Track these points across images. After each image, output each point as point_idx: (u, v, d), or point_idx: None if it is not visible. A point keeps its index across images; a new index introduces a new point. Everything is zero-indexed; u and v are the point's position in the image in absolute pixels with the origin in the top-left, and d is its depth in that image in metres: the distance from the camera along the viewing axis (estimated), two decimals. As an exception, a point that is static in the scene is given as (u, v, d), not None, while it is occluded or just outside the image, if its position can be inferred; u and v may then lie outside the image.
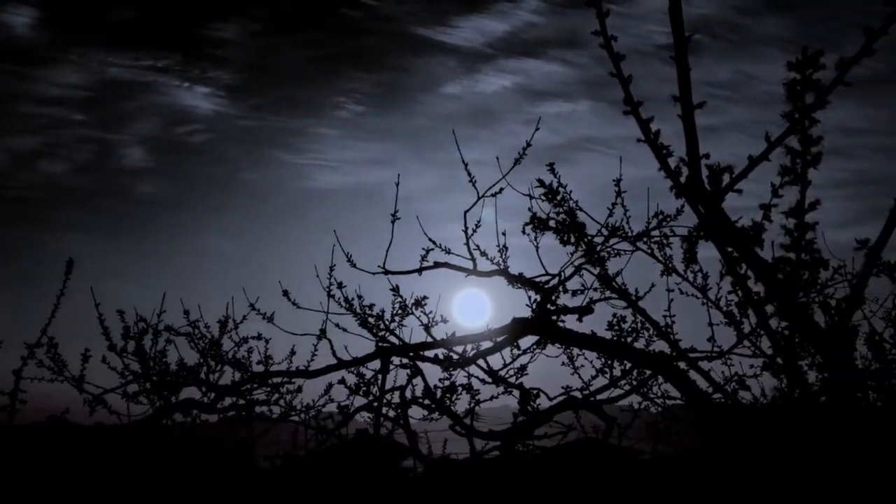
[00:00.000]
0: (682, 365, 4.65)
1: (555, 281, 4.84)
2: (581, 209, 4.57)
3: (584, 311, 4.84)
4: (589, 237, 4.01)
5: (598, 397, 4.86)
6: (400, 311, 5.00)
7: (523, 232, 4.50)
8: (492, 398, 4.95)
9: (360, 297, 5.12)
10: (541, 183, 3.68)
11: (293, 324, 5.45)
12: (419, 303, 4.95)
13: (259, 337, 5.51)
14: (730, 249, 3.57)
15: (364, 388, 4.94)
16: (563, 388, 4.85)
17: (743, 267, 3.61)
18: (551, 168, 4.58)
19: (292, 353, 5.50)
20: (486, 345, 4.90)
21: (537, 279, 4.88)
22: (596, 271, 4.81)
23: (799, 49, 3.20)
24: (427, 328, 4.97)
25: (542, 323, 4.83)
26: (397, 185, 4.85)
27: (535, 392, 4.72)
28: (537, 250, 4.49)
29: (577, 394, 4.84)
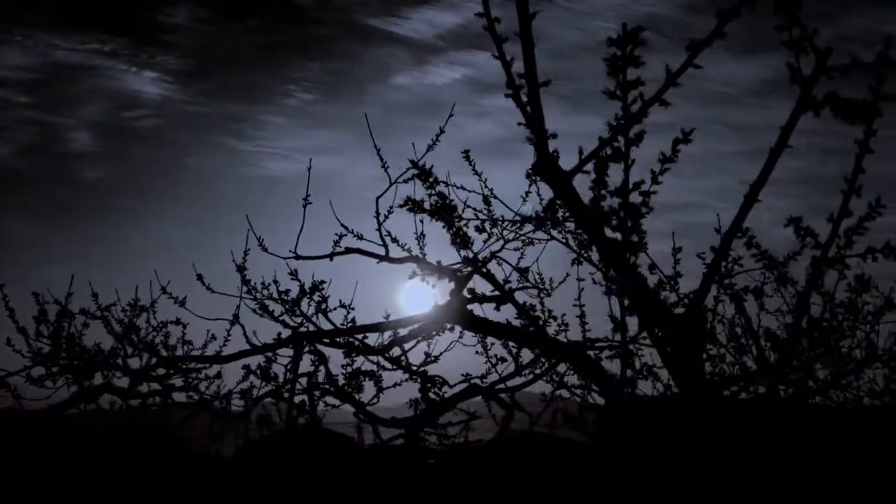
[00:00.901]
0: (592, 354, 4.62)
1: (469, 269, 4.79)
2: (495, 197, 4.56)
3: (501, 300, 4.79)
4: (460, 219, 3.95)
5: (509, 384, 4.82)
6: (298, 296, 4.93)
7: (387, 212, 4.46)
8: (395, 385, 4.91)
9: (275, 282, 5.07)
10: (413, 164, 3.63)
11: (217, 310, 5.41)
12: (316, 287, 4.89)
13: (177, 322, 5.47)
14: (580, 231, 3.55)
15: (272, 375, 4.88)
16: (462, 375, 4.81)
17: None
18: (466, 155, 4.55)
19: (212, 338, 5.47)
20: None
21: (453, 267, 4.83)
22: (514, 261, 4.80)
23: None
24: (324, 313, 4.92)
25: (457, 311, 4.78)
26: (309, 169, 4.80)
27: (439, 380, 4.68)
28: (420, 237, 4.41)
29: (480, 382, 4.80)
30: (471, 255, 4.20)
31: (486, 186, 4.59)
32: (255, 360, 4.95)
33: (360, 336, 4.90)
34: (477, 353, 5.05)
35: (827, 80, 2.95)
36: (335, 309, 4.95)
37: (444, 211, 3.72)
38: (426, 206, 3.82)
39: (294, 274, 4.90)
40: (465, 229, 4.06)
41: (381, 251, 4.81)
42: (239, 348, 5.02)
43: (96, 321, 5.37)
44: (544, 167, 3.31)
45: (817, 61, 2.92)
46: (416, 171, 3.73)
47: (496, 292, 4.72)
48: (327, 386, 4.67)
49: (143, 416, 5.42)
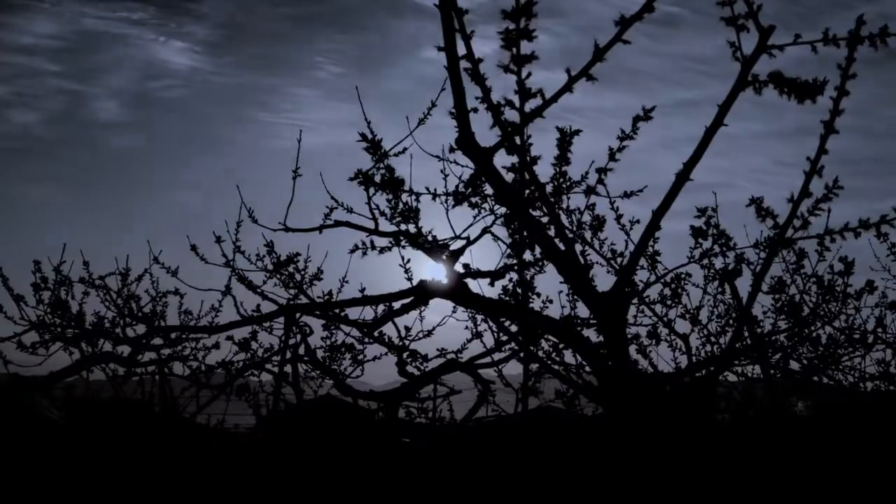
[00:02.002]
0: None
1: (462, 243, 4.77)
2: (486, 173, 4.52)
3: (496, 276, 4.77)
4: (411, 192, 3.93)
5: (490, 359, 4.81)
6: (277, 268, 4.93)
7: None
8: (374, 359, 4.92)
9: (269, 252, 5.08)
10: (362, 137, 3.60)
11: (218, 281, 5.45)
12: (291, 259, 4.89)
13: (175, 292, 5.52)
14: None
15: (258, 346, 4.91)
16: (438, 350, 4.81)
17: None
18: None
19: (211, 308, 5.53)
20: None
21: (445, 241, 4.81)
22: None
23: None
24: (299, 286, 4.92)
25: (450, 286, 4.77)
26: (299, 141, 4.78)
27: (421, 355, 4.69)
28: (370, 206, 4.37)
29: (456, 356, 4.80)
30: (421, 231, 4.16)
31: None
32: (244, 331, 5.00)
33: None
34: (466, 328, 5.04)
35: (769, 57, 2.89)
36: (312, 284, 4.93)
37: (392, 184, 3.69)
38: (376, 178, 3.80)
39: (270, 246, 4.91)
40: (414, 203, 4.03)
41: (371, 224, 4.81)
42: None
43: (94, 290, 5.44)
44: (465, 142, 3.28)
45: (759, 38, 2.87)
46: (366, 145, 3.70)
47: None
48: (306, 359, 4.68)
49: (143, 385, 5.49)
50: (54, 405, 5.42)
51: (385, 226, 4.82)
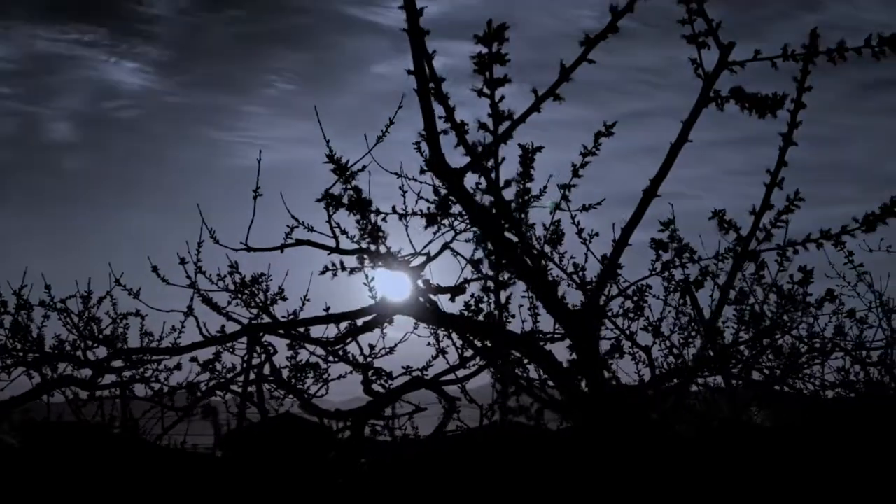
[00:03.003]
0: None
1: (421, 259, 4.77)
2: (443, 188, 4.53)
3: (456, 291, 4.77)
4: (378, 213, 3.94)
5: (452, 376, 4.81)
6: (240, 289, 4.92)
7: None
8: (339, 377, 4.92)
9: (231, 272, 5.06)
10: (329, 158, 3.61)
11: (179, 302, 5.41)
12: (256, 280, 4.89)
13: (137, 314, 5.49)
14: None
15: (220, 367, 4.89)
16: (403, 367, 4.81)
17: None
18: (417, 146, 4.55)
19: (172, 329, 5.50)
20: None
21: (406, 257, 4.81)
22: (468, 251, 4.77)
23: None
24: (265, 307, 4.91)
25: (411, 303, 4.77)
26: (259, 161, 4.77)
27: (383, 372, 4.68)
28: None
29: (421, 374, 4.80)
30: (384, 249, 4.16)
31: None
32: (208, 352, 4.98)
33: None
34: (429, 344, 5.04)
35: (730, 73, 2.93)
36: (276, 303, 4.93)
37: (359, 205, 3.70)
38: (344, 200, 3.80)
39: (234, 266, 4.90)
40: (380, 223, 4.03)
41: (332, 243, 4.80)
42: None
43: (55, 313, 5.41)
44: (436, 164, 3.29)
45: (720, 55, 2.90)
46: (333, 166, 3.70)
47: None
48: (272, 378, 4.67)
49: (102, 408, 5.45)
50: (11, 429, 5.37)
51: (346, 243, 4.83)
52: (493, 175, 3.38)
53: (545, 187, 4.17)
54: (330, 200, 3.68)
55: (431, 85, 3.20)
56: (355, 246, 4.77)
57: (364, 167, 4.58)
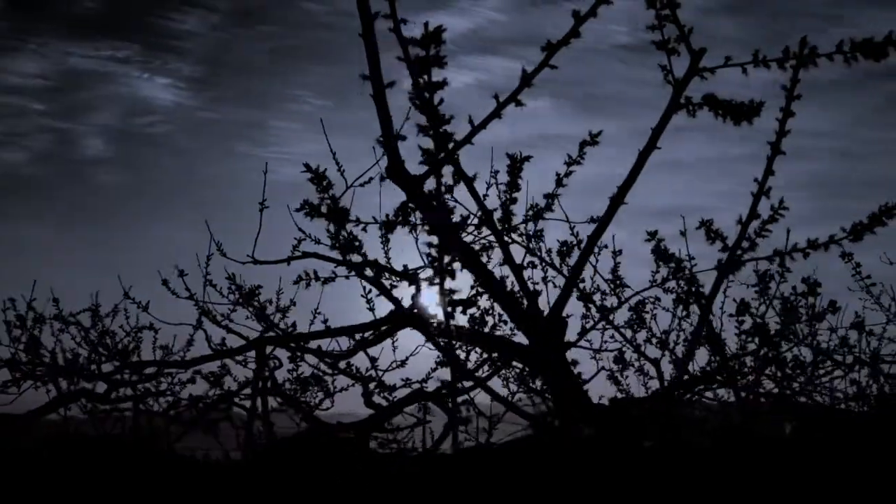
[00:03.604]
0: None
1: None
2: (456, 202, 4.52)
3: (467, 304, 4.76)
4: (358, 223, 3.92)
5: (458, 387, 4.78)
6: (238, 301, 4.93)
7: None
8: (341, 390, 4.91)
9: (239, 286, 5.08)
10: (307, 168, 3.61)
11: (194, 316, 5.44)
12: (253, 292, 4.89)
13: (150, 327, 5.53)
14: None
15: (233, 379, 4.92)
16: (402, 380, 4.80)
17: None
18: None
19: (188, 343, 5.53)
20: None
21: (414, 271, 4.80)
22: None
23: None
24: (265, 319, 4.92)
25: (419, 315, 4.76)
26: (265, 173, 4.79)
27: (388, 385, 4.68)
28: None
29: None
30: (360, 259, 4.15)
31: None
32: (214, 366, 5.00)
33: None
34: (437, 361, 5.03)
35: (701, 80, 2.90)
36: (274, 316, 4.93)
37: (336, 215, 3.69)
38: (322, 209, 3.80)
39: (232, 278, 4.91)
40: (355, 234, 4.02)
41: (339, 256, 4.81)
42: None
43: (69, 326, 5.46)
44: (395, 171, 3.28)
45: (691, 61, 2.87)
46: (310, 175, 3.70)
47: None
48: (279, 391, 4.68)
49: (119, 421, 5.49)
50: (36, 442, 5.41)
51: (354, 256, 4.83)
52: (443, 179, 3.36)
53: (535, 204, 4.18)
54: (309, 210, 3.67)
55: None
56: (361, 259, 4.79)
57: (371, 179, 4.60)
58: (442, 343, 5.07)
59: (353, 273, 4.07)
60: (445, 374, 4.90)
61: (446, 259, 3.78)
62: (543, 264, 4.55)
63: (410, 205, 3.52)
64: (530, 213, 4.46)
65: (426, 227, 3.57)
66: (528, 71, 3.06)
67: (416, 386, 4.84)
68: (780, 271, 4.11)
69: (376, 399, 4.70)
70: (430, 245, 3.74)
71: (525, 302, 3.44)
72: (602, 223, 3.14)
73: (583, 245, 3.51)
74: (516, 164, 3.73)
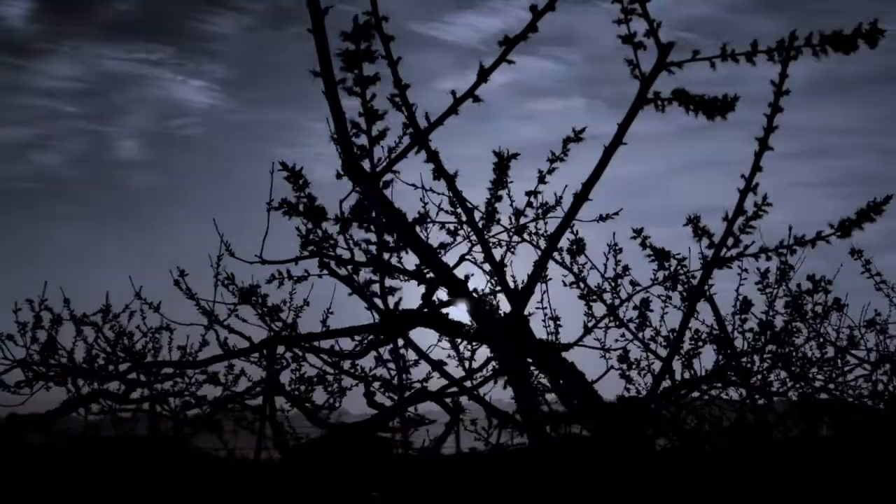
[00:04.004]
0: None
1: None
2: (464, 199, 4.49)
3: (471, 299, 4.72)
4: (338, 220, 3.88)
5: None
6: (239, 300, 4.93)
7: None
8: (346, 391, 4.90)
9: (251, 286, 5.07)
10: (283, 166, 3.57)
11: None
12: (252, 291, 4.88)
13: (166, 328, 5.55)
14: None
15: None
16: (405, 380, 4.76)
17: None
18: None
19: (205, 343, 5.54)
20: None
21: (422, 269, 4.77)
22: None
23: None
24: (263, 318, 4.91)
25: (429, 315, 4.73)
26: (272, 173, 4.77)
27: (394, 384, 4.65)
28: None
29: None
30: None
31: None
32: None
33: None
34: (449, 356, 4.99)
35: (669, 74, 2.83)
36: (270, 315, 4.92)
37: (313, 213, 3.66)
38: (300, 208, 3.77)
39: (231, 278, 4.91)
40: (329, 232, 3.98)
41: (347, 254, 4.79)
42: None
43: (85, 327, 5.50)
44: (350, 168, 3.25)
45: (659, 56, 2.81)
46: (287, 174, 3.66)
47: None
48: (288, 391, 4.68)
49: (136, 422, 5.53)
50: (55, 442, 5.45)
51: (360, 255, 4.81)
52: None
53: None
54: (287, 209, 3.64)
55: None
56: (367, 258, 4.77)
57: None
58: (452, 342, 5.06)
59: (325, 272, 4.01)
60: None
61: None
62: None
63: (366, 202, 3.49)
64: (539, 211, 4.44)
65: (386, 227, 3.55)
66: (485, 67, 3.02)
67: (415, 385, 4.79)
68: (782, 269, 4.05)
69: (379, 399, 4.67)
70: (368, 242, 3.72)
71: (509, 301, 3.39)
72: (565, 220, 3.09)
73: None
74: (504, 162, 3.69)
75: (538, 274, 3.29)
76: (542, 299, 4.69)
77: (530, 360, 4.58)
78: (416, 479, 4.49)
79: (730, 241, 3.17)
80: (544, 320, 4.75)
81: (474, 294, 3.61)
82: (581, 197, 3.01)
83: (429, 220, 3.75)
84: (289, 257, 4.61)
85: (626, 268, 4.58)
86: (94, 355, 5.49)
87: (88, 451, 5.23)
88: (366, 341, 4.84)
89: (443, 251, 3.81)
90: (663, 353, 4.60)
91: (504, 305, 4.23)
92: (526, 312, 3.41)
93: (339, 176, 3.35)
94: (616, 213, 4.40)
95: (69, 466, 5.13)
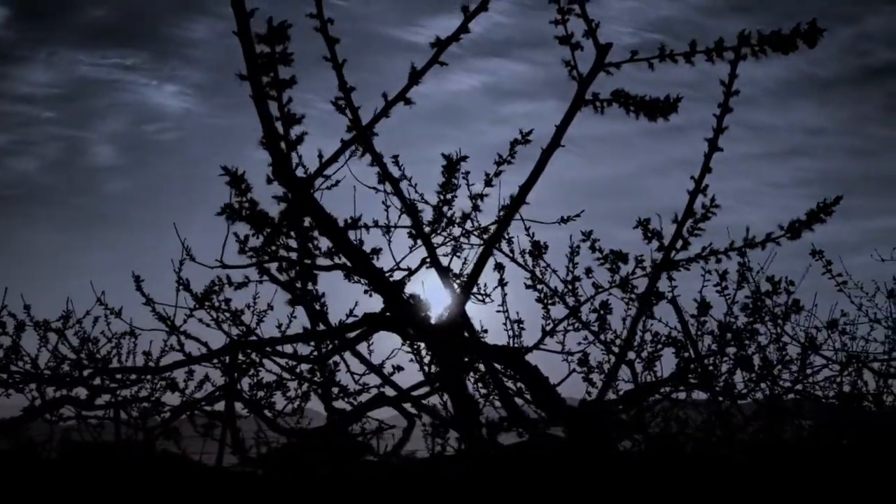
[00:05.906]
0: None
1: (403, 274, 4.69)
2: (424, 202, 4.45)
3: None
4: (275, 227, 3.83)
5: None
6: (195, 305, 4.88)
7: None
8: (302, 396, 4.86)
9: (205, 291, 5.01)
10: (225, 170, 3.51)
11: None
12: (207, 295, 4.83)
13: (131, 333, 5.50)
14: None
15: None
16: (360, 385, 4.73)
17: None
18: (395, 160, 4.41)
19: (171, 348, 5.49)
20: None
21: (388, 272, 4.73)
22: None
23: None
24: (219, 324, 4.87)
25: (394, 318, 4.69)
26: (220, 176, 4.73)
27: (349, 390, 4.62)
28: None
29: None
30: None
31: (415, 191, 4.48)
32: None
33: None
34: (411, 360, 4.94)
35: (607, 75, 2.80)
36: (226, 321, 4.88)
37: (256, 219, 3.61)
38: (244, 213, 3.71)
39: (186, 284, 4.86)
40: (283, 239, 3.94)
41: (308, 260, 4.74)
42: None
43: (47, 333, 5.45)
44: (281, 172, 3.21)
45: (597, 57, 2.78)
46: (228, 178, 3.61)
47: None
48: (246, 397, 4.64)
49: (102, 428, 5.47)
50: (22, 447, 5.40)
51: (322, 259, 4.76)
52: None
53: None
54: (229, 213, 3.59)
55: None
56: (329, 262, 4.73)
57: (338, 182, 4.51)
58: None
59: (264, 278, 3.97)
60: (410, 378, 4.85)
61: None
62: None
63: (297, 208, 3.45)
64: (500, 214, 4.39)
65: (318, 231, 3.51)
66: (417, 69, 2.99)
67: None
68: (740, 271, 4.03)
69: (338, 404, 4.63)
70: (287, 248, 3.69)
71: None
72: (501, 225, 3.06)
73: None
74: (454, 165, 3.65)
75: (477, 273, 3.25)
76: (502, 302, 4.63)
77: (469, 361, 4.57)
78: (380, 484, 4.44)
79: (678, 244, 3.14)
80: (505, 324, 4.69)
81: (410, 300, 3.56)
82: (518, 200, 2.98)
83: (361, 224, 3.69)
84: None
85: (588, 270, 4.53)
86: (59, 361, 5.43)
87: (67, 456, 5.21)
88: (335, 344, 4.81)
89: (376, 256, 3.72)
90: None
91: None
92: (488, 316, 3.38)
93: (269, 181, 3.31)
94: (577, 216, 4.36)
95: (48, 470, 5.10)
